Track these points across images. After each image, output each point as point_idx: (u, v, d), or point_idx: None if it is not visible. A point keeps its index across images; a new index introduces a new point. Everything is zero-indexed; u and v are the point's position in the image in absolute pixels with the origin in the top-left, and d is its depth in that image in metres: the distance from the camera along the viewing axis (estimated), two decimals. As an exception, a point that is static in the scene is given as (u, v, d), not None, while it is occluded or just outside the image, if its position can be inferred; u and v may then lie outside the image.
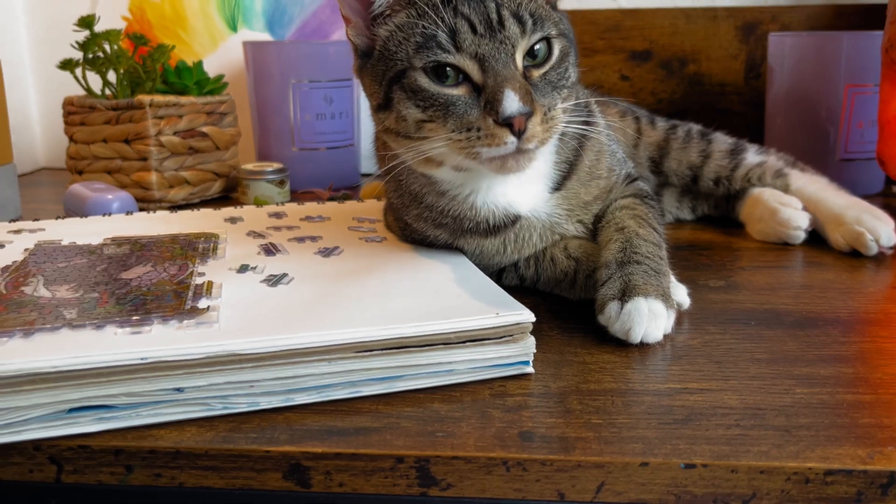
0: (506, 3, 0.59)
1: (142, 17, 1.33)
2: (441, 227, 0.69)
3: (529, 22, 0.59)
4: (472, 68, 0.58)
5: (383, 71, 0.61)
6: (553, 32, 0.61)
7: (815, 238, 0.86)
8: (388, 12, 0.62)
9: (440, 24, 0.58)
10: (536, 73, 0.60)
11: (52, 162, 1.43)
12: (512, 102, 0.56)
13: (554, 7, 0.64)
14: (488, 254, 0.70)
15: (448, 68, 0.58)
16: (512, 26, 0.58)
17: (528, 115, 0.57)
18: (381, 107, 0.63)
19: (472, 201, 0.67)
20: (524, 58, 0.59)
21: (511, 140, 0.57)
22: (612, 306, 0.59)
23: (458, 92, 0.58)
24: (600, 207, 0.71)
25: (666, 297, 0.60)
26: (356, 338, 0.51)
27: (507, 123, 0.56)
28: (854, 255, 0.82)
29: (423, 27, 0.59)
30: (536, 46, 0.60)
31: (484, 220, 0.68)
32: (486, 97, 0.57)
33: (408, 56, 0.59)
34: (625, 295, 0.59)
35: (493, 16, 0.58)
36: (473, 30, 0.58)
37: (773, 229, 0.86)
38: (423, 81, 0.59)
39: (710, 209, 0.97)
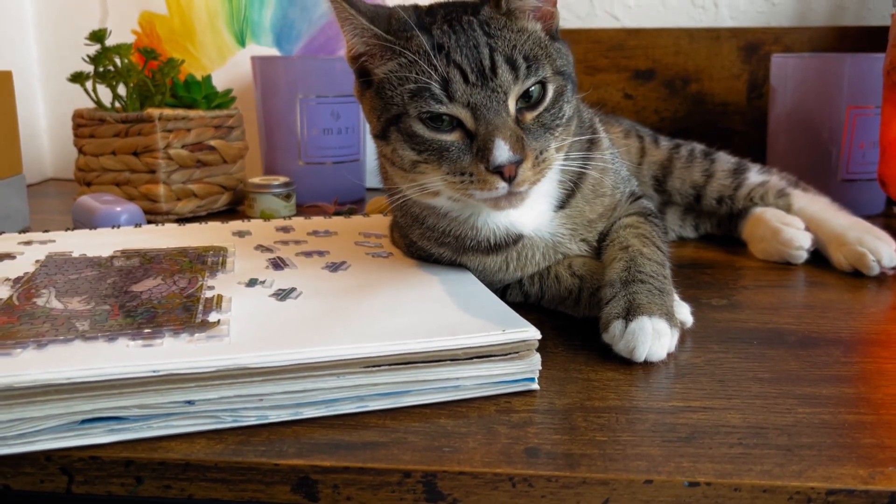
0: (500, 48, 0.60)
1: (151, 30, 1.35)
2: (444, 246, 0.70)
3: (523, 67, 0.59)
4: (465, 116, 0.59)
5: (381, 109, 0.63)
6: (548, 74, 0.61)
7: (817, 258, 0.87)
8: (374, 59, 0.63)
9: (432, 73, 0.59)
10: (529, 116, 0.60)
11: (59, 173, 1.44)
12: (502, 152, 0.57)
13: (554, 37, 0.65)
14: (491, 271, 0.70)
15: (442, 116, 0.60)
16: (505, 74, 0.59)
17: (519, 163, 0.58)
18: (379, 137, 0.64)
19: (473, 222, 0.68)
20: (517, 101, 0.60)
21: (502, 185, 0.59)
22: (617, 325, 0.59)
23: (451, 138, 0.60)
24: (604, 225, 0.72)
25: (670, 316, 0.60)
26: (364, 353, 0.51)
27: (498, 171, 0.58)
28: (856, 276, 0.82)
29: (418, 75, 0.60)
30: (530, 89, 0.60)
31: (485, 239, 0.68)
32: (478, 145, 0.58)
33: (403, 102, 0.60)
34: (629, 314, 0.59)
35: (486, 62, 0.59)
36: (465, 79, 0.58)
37: (776, 249, 0.87)
38: (418, 128, 0.60)
39: (713, 228, 0.98)
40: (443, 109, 0.59)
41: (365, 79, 0.65)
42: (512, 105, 0.59)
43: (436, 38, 0.60)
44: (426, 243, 0.71)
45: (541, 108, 0.61)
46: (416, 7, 0.65)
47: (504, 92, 0.59)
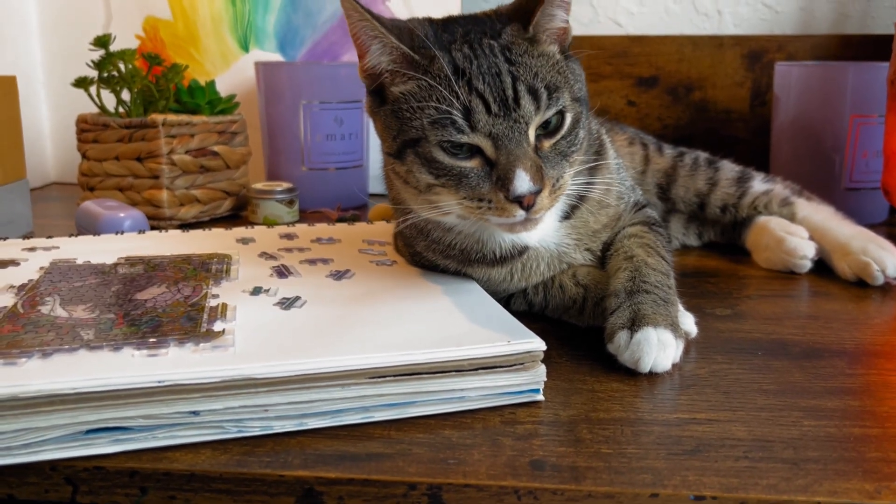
0: (522, 76, 0.59)
1: (155, 35, 1.35)
2: (449, 258, 0.70)
3: (545, 96, 0.59)
4: (485, 145, 0.59)
5: (397, 129, 0.62)
6: (567, 102, 0.61)
7: (821, 267, 0.87)
8: (394, 78, 0.62)
9: (454, 101, 0.58)
10: (547, 144, 0.61)
11: (62, 177, 1.44)
12: (523, 182, 0.57)
13: (567, 55, 0.64)
14: (496, 281, 0.70)
15: (463, 144, 0.59)
16: (527, 104, 0.59)
17: (538, 192, 0.58)
18: (394, 157, 0.64)
19: (479, 235, 0.68)
20: (537, 129, 0.60)
21: (520, 213, 0.59)
22: (622, 335, 0.59)
23: (471, 164, 0.59)
24: (609, 235, 0.72)
25: (675, 327, 0.60)
26: (370, 364, 0.51)
27: (517, 200, 0.58)
28: (860, 285, 0.82)
29: (437, 101, 0.59)
30: (550, 118, 0.60)
31: (491, 252, 0.69)
32: (498, 173, 0.58)
33: (422, 127, 0.60)
34: (634, 324, 0.59)
35: (509, 92, 0.58)
36: (488, 109, 0.58)
37: (780, 258, 0.86)
38: (438, 154, 0.60)
39: (717, 236, 0.98)
40: (464, 140, 0.59)
41: (378, 95, 0.65)
42: (532, 134, 0.59)
43: (457, 61, 0.59)
44: (431, 255, 0.71)
45: (558, 136, 0.61)
46: (431, 21, 0.65)
47: (526, 122, 0.59)
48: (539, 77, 0.60)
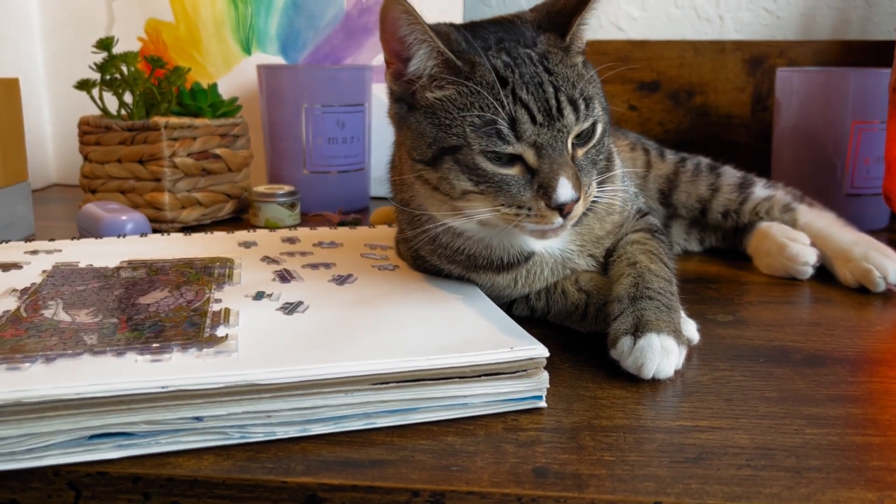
0: (562, 86, 0.60)
1: (157, 38, 1.35)
2: (455, 263, 0.70)
3: (583, 107, 0.60)
4: (528, 155, 0.59)
5: (434, 136, 0.61)
6: (599, 112, 0.62)
7: (822, 273, 0.87)
8: (431, 83, 0.61)
9: (500, 110, 0.58)
10: (581, 152, 0.61)
11: (63, 178, 1.44)
12: (565, 190, 0.58)
13: (584, 60, 0.65)
14: (500, 287, 0.70)
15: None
16: (569, 114, 0.59)
17: (577, 200, 0.59)
18: (426, 164, 0.63)
19: (488, 241, 0.68)
20: (573, 138, 0.61)
21: (558, 220, 0.59)
22: (625, 341, 0.59)
23: (513, 172, 0.60)
24: (612, 241, 0.72)
25: (677, 334, 0.60)
26: (373, 370, 0.51)
27: (559, 208, 0.59)
28: (861, 292, 0.82)
29: (481, 109, 0.59)
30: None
31: (498, 258, 0.69)
32: (540, 181, 0.59)
33: (464, 135, 0.59)
34: (637, 330, 0.59)
35: (552, 102, 0.59)
36: (533, 119, 0.58)
37: (781, 264, 0.87)
38: (481, 162, 0.59)
39: (718, 241, 0.98)
40: (509, 150, 0.59)
41: (406, 101, 0.64)
42: (570, 144, 0.60)
43: (499, 68, 0.59)
44: (436, 259, 0.71)
45: (590, 145, 0.62)
46: (460, 28, 0.64)
47: (567, 132, 0.59)
48: (577, 87, 0.61)
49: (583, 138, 0.61)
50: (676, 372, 0.60)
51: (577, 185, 0.59)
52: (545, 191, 0.58)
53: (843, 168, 1.08)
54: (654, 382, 0.60)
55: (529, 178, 0.59)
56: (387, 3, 0.59)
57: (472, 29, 0.64)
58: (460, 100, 0.60)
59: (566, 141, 0.59)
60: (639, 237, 0.71)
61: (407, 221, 0.73)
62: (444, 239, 0.70)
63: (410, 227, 0.73)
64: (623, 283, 0.65)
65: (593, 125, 0.62)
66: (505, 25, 0.65)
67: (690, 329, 0.66)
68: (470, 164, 0.60)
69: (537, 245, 0.68)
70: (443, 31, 0.62)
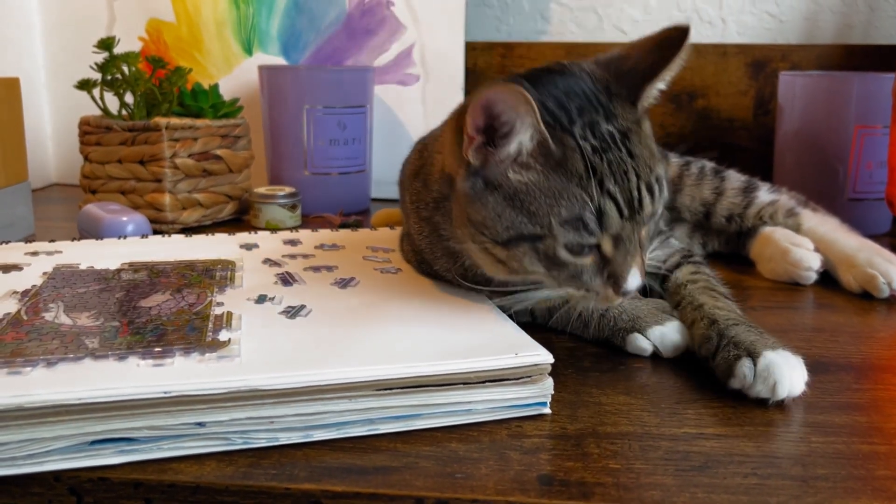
0: (642, 173, 0.57)
1: (158, 38, 1.35)
2: (467, 279, 0.68)
3: (657, 192, 0.58)
4: (607, 245, 0.57)
5: (512, 221, 0.57)
6: (667, 192, 0.60)
7: (825, 278, 0.87)
8: (518, 163, 0.57)
9: (588, 202, 0.55)
10: (645, 232, 0.60)
11: (63, 178, 1.44)
12: (635, 280, 0.58)
13: (645, 116, 0.62)
14: (506, 296, 0.70)
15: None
16: (647, 205, 0.58)
17: (641, 286, 0.59)
18: (498, 243, 0.59)
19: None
20: None
21: (619, 300, 0.59)
22: (745, 364, 0.56)
23: (587, 261, 0.58)
24: None
25: (785, 349, 0.58)
26: (377, 375, 0.51)
27: (624, 294, 0.58)
28: (865, 298, 0.82)
29: (570, 199, 0.56)
30: None
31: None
32: (611, 270, 0.57)
33: (549, 225, 0.56)
34: (751, 354, 0.57)
35: (635, 193, 0.57)
36: (620, 212, 0.56)
37: (785, 269, 0.86)
38: (562, 253, 0.57)
39: (721, 246, 0.97)
40: (593, 241, 0.57)
41: (479, 175, 0.59)
42: (643, 231, 0.59)
43: (587, 155, 0.56)
44: (447, 274, 0.70)
45: (653, 221, 0.60)
46: (534, 82, 0.59)
47: (644, 222, 0.58)
48: (653, 171, 0.58)
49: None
50: (679, 377, 0.60)
51: (643, 271, 0.58)
52: (615, 280, 0.57)
53: (845, 172, 1.08)
54: (659, 390, 0.59)
55: (601, 266, 0.58)
56: (501, 88, 0.54)
57: (544, 84, 0.60)
58: (548, 186, 0.56)
59: (641, 231, 0.58)
60: (687, 275, 0.70)
61: (424, 235, 0.70)
62: (468, 262, 0.66)
63: (426, 241, 0.70)
64: (700, 326, 0.63)
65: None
66: (576, 82, 0.60)
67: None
68: (550, 254, 0.57)
69: None
70: (537, 104, 0.56)
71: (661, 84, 0.61)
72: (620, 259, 0.57)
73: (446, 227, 0.66)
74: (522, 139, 0.56)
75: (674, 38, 0.60)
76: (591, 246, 0.57)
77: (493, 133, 0.57)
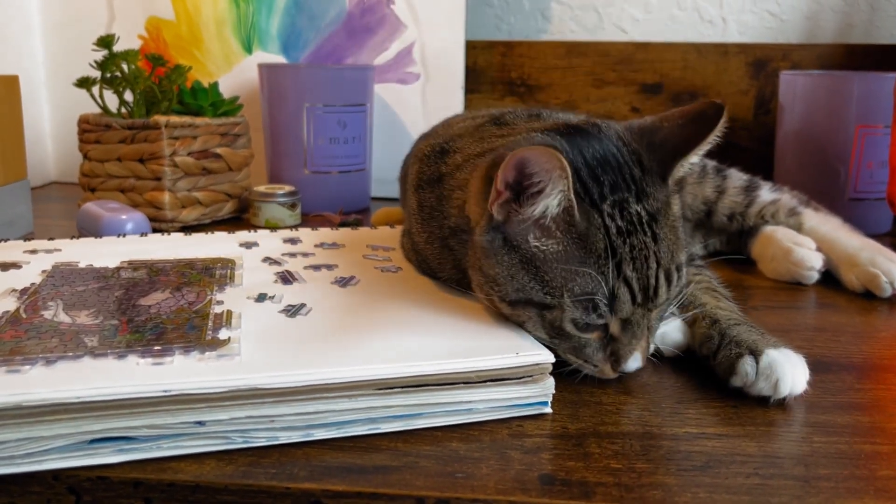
0: (663, 260, 0.56)
1: (157, 35, 1.35)
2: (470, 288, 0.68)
3: (675, 279, 0.57)
4: (614, 326, 0.56)
5: (523, 285, 0.56)
6: (685, 280, 0.59)
7: (827, 278, 0.87)
8: (539, 226, 0.56)
9: (601, 284, 0.54)
10: (656, 314, 0.58)
11: (62, 176, 1.43)
12: (634, 363, 0.57)
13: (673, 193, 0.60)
14: None
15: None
16: (663, 293, 0.56)
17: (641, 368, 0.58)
18: (504, 301, 0.58)
19: None
20: None
21: (615, 377, 0.58)
22: (746, 362, 0.56)
23: (592, 337, 0.57)
24: None
25: (787, 347, 0.58)
26: (378, 374, 0.51)
27: (622, 373, 0.58)
28: (866, 298, 0.82)
29: (584, 277, 0.54)
30: None
31: None
32: (614, 349, 0.57)
33: (560, 298, 0.55)
34: (753, 352, 0.57)
35: (652, 281, 0.55)
36: (633, 299, 0.55)
37: (787, 269, 0.86)
38: (568, 327, 0.56)
39: (722, 245, 0.97)
40: (600, 322, 0.56)
41: (502, 232, 0.58)
42: (652, 317, 0.57)
43: (611, 234, 0.55)
44: (452, 282, 0.69)
45: (666, 304, 0.58)
46: (575, 167, 0.57)
47: (656, 309, 0.57)
48: (674, 258, 0.57)
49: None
50: (679, 377, 0.60)
51: (647, 353, 0.58)
52: (616, 359, 0.57)
53: (846, 172, 1.07)
54: (660, 389, 0.59)
55: (605, 343, 0.57)
56: (540, 150, 0.53)
57: (581, 149, 0.58)
58: (565, 258, 0.55)
59: (651, 316, 0.57)
60: (689, 275, 0.68)
61: (431, 243, 0.70)
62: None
63: (430, 247, 0.70)
64: (702, 325, 0.63)
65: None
66: (611, 151, 0.58)
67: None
68: (555, 325, 0.56)
69: None
70: (572, 171, 0.54)
71: (694, 158, 0.60)
72: (626, 341, 0.56)
73: (461, 251, 0.65)
74: (550, 203, 0.55)
75: (710, 114, 0.59)
76: (599, 325, 0.56)
77: (522, 191, 0.55)
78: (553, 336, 0.57)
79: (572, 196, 0.54)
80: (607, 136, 0.60)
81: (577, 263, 0.55)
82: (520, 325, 0.59)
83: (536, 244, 0.56)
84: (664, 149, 0.59)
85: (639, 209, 0.56)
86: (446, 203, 0.67)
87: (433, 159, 0.73)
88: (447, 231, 0.67)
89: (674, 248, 0.57)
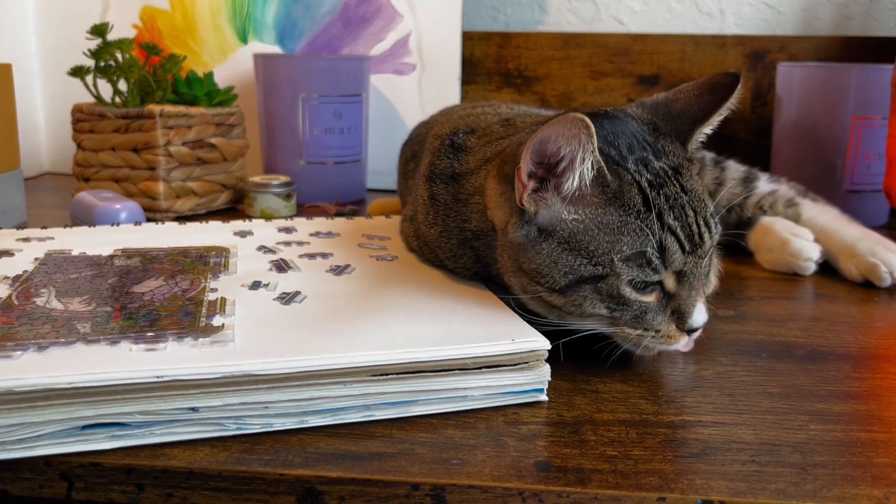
0: (699, 208, 0.57)
1: (152, 25, 1.34)
2: (476, 275, 0.68)
3: (713, 226, 0.58)
4: (669, 282, 0.56)
5: (571, 265, 0.55)
6: (720, 226, 0.59)
7: (824, 269, 0.87)
8: (573, 199, 0.56)
9: (649, 237, 0.54)
10: (704, 262, 0.58)
11: (56, 167, 1.43)
12: (700, 315, 0.56)
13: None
14: None
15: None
16: (707, 239, 0.57)
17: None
18: (554, 291, 0.57)
19: None
20: None
21: (684, 341, 0.57)
22: None
23: (652, 299, 0.56)
24: None
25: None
26: (372, 361, 0.50)
27: (690, 331, 0.57)
28: (864, 288, 0.82)
29: (630, 234, 0.54)
30: None
31: None
32: (675, 306, 0.56)
33: (611, 263, 0.54)
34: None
35: (695, 228, 0.56)
36: (682, 248, 0.55)
37: (784, 260, 0.86)
38: (626, 291, 0.55)
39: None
40: (657, 278, 0.55)
41: (535, 223, 0.57)
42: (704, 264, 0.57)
43: (645, 189, 0.55)
44: (469, 275, 0.68)
45: (708, 257, 0.59)
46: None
47: (705, 256, 0.57)
48: (707, 206, 0.58)
49: None
50: (677, 365, 0.60)
51: (708, 305, 0.57)
52: (679, 316, 0.56)
53: (843, 164, 1.07)
54: (657, 377, 0.59)
55: (664, 303, 0.56)
56: (556, 122, 0.52)
57: (595, 121, 0.57)
58: (606, 222, 0.55)
59: (701, 265, 0.57)
60: None
61: (436, 227, 0.69)
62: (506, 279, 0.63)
63: (434, 230, 0.69)
64: None
65: None
66: (622, 124, 0.59)
67: None
68: (613, 294, 0.55)
69: None
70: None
71: (709, 128, 0.61)
72: (685, 294, 0.56)
73: (488, 254, 0.65)
74: (583, 170, 0.54)
75: (726, 83, 0.61)
76: (655, 283, 0.56)
77: (550, 171, 0.55)
78: (613, 308, 0.56)
79: (599, 157, 0.54)
80: (616, 116, 0.61)
81: (620, 223, 0.55)
82: (578, 311, 0.57)
83: (574, 217, 0.56)
84: (682, 118, 0.61)
85: (661, 164, 0.57)
86: (465, 207, 0.66)
87: (444, 153, 0.71)
88: (469, 234, 0.66)
89: (705, 198, 0.58)
